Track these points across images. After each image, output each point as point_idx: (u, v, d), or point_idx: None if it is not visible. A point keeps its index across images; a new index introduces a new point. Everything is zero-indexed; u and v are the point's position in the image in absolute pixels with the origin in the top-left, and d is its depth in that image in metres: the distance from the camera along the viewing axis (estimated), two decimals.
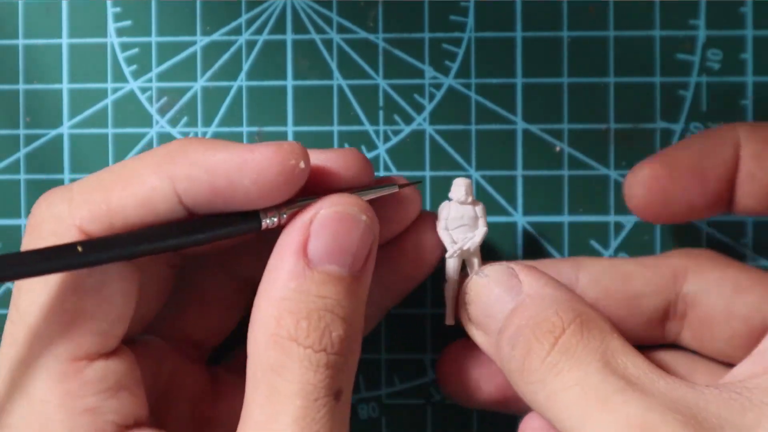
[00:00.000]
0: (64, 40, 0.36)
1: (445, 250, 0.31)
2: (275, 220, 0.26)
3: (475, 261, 0.31)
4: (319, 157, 0.27)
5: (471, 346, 0.31)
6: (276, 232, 0.27)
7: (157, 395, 0.29)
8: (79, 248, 0.24)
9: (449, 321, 0.31)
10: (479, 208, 0.31)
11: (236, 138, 0.36)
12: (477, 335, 0.30)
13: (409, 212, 0.30)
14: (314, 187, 0.27)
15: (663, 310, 0.30)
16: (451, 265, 0.31)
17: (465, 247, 0.30)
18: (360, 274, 0.26)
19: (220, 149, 0.25)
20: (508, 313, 0.28)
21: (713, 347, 0.30)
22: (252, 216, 0.26)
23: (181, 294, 0.31)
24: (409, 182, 0.30)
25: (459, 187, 0.30)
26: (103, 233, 0.25)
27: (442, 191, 0.35)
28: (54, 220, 0.25)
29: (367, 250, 0.26)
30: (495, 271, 0.29)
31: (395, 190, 0.29)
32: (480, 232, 0.31)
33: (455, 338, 0.33)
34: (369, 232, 0.27)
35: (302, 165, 0.25)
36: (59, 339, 0.25)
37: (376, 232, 0.27)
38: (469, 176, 0.30)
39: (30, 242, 0.26)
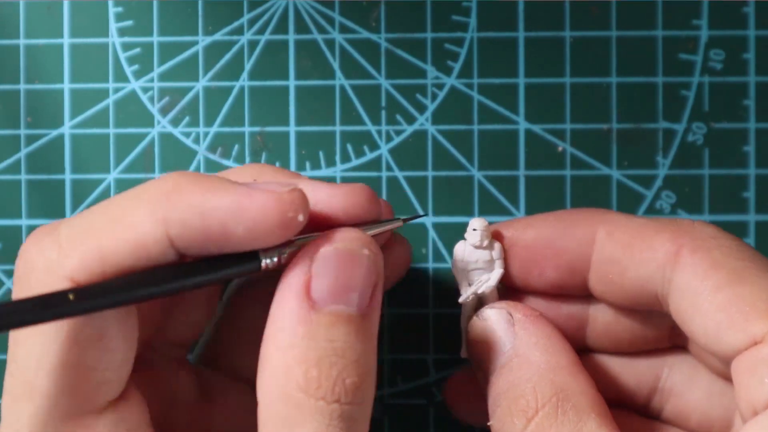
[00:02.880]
0: (66, 40, 0.36)
1: (456, 291, 0.30)
2: (275, 260, 0.25)
3: (491, 299, 0.30)
4: (325, 192, 0.26)
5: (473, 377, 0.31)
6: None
7: (158, 407, 0.28)
8: (71, 296, 0.22)
9: (464, 354, 0.31)
10: (495, 251, 0.29)
11: (238, 138, 0.36)
12: (476, 372, 0.30)
13: (406, 256, 0.30)
14: (318, 222, 0.26)
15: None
16: (468, 303, 0.30)
17: (479, 291, 0.30)
18: (368, 311, 0.25)
19: (217, 192, 0.24)
20: (497, 369, 0.28)
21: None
22: (251, 256, 0.25)
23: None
24: (412, 216, 0.29)
25: (475, 232, 0.29)
26: (95, 281, 0.24)
27: (444, 192, 0.35)
28: (43, 270, 0.24)
29: (372, 286, 0.25)
30: (493, 316, 0.29)
31: (399, 224, 0.28)
32: (495, 274, 0.29)
33: (457, 342, 0.33)
34: (373, 267, 0.25)
35: (301, 218, 0.24)
36: (63, 395, 0.23)
37: (380, 267, 0.25)
38: (484, 220, 0.29)
39: (20, 292, 0.24)
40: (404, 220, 0.29)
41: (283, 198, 0.24)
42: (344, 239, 0.25)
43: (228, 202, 0.23)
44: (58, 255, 0.24)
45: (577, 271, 0.29)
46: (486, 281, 0.30)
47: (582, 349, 0.30)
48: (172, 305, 0.30)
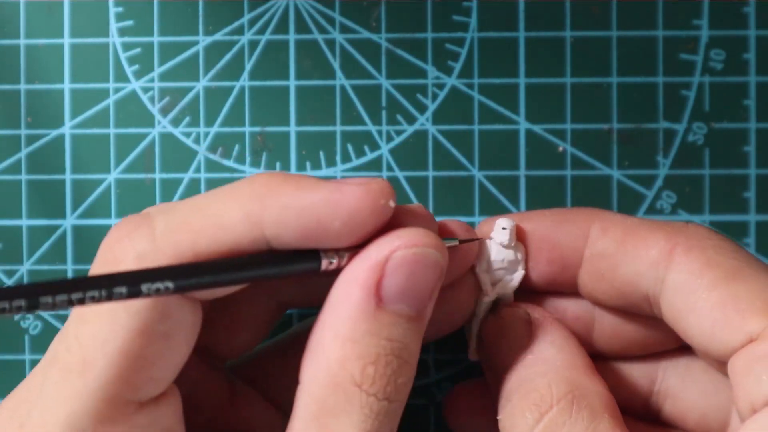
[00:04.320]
0: (66, 40, 0.36)
1: (480, 292, 0.30)
2: (335, 261, 0.25)
3: (508, 300, 0.30)
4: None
5: (477, 390, 0.31)
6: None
7: (185, 408, 0.28)
8: (170, 284, 0.23)
9: (472, 356, 0.31)
10: (520, 252, 0.29)
11: (239, 138, 0.36)
12: (486, 374, 0.30)
13: (466, 264, 0.29)
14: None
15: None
16: (484, 305, 0.30)
17: (502, 292, 0.30)
18: (424, 313, 0.26)
19: (310, 190, 0.24)
20: (510, 366, 0.28)
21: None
22: (312, 255, 0.25)
23: (213, 307, 0.30)
24: (471, 239, 0.29)
25: (503, 231, 0.29)
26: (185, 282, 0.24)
27: (444, 192, 0.35)
28: (134, 261, 0.24)
29: (433, 290, 0.26)
30: (511, 315, 0.29)
31: (455, 243, 0.28)
32: (518, 276, 0.29)
33: (457, 342, 0.33)
34: (440, 272, 0.26)
35: (391, 204, 0.25)
36: (115, 381, 0.23)
37: (444, 271, 0.26)
38: (512, 220, 0.29)
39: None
40: (460, 241, 0.28)
41: (373, 188, 0.24)
42: (421, 243, 0.25)
43: (321, 198, 0.24)
44: (152, 249, 0.24)
45: (569, 267, 0.29)
46: (510, 282, 0.29)
47: (590, 354, 0.30)
48: (224, 318, 0.30)
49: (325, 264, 0.25)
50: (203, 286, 0.24)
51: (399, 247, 0.25)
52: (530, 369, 0.27)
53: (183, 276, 0.23)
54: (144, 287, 0.22)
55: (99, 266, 0.24)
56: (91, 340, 0.24)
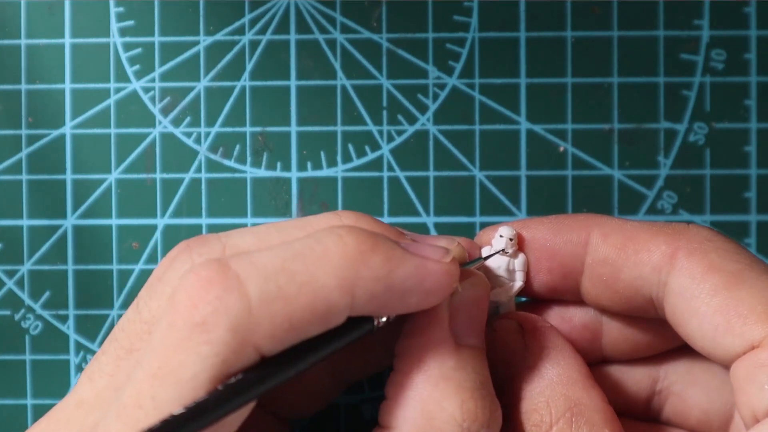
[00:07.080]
0: (67, 40, 0.36)
1: None
2: (384, 320, 0.25)
3: (508, 309, 0.30)
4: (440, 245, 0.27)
5: None
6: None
7: None
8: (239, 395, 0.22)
9: None
10: (518, 262, 0.29)
11: (240, 138, 0.36)
12: None
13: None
14: None
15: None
16: None
17: (501, 300, 0.29)
18: (484, 341, 0.27)
19: (400, 263, 0.24)
20: (507, 381, 0.28)
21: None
22: (366, 319, 0.25)
23: None
24: (493, 253, 0.29)
25: (502, 239, 0.29)
26: (276, 352, 0.23)
27: (445, 192, 0.35)
28: (228, 329, 0.22)
29: (486, 316, 0.27)
30: (503, 327, 0.29)
31: (481, 262, 0.29)
32: (516, 286, 0.29)
33: None
34: (488, 305, 0.27)
35: (460, 289, 0.26)
36: None
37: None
38: (513, 228, 0.29)
39: (191, 337, 0.22)
40: (484, 259, 0.29)
41: (451, 271, 0.25)
42: (476, 284, 0.27)
43: (410, 274, 0.24)
44: (248, 320, 0.23)
45: (571, 275, 0.29)
46: (509, 290, 0.29)
47: (600, 360, 0.30)
48: (290, 386, 0.30)
49: (377, 323, 0.25)
50: (284, 381, 0.23)
51: (456, 285, 0.26)
52: (528, 386, 0.27)
53: (267, 383, 0.23)
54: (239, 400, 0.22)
55: (185, 328, 0.23)
56: (167, 402, 0.23)
